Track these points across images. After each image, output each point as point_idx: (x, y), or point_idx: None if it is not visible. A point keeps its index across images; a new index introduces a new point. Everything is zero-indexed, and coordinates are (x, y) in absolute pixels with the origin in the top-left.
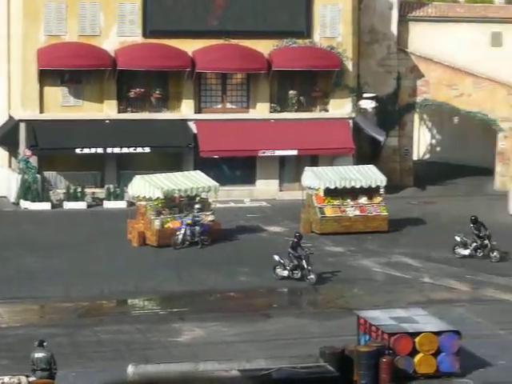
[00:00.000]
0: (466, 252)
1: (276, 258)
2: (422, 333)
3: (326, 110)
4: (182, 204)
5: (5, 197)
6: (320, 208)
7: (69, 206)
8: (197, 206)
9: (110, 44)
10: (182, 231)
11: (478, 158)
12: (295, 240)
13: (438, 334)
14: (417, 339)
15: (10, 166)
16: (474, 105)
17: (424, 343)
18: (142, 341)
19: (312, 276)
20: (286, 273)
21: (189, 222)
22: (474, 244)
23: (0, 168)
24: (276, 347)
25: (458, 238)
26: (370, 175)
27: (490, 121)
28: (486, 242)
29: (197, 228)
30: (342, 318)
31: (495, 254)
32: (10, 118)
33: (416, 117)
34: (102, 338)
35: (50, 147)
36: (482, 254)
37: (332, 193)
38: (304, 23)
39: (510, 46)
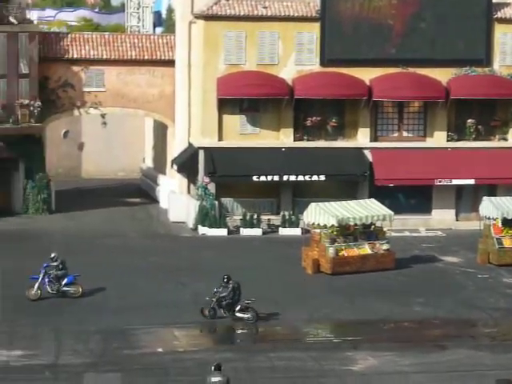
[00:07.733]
0: None
1: None
2: None
3: (505, 139)
4: (357, 232)
5: (183, 222)
6: (498, 239)
7: (245, 232)
8: (52, 254)
9: (287, 73)
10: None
11: None
12: None
13: None
14: None
15: (188, 193)
16: None
17: None
18: (315, 368)
19: None
20: None
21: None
22: None
23: (179, 194)
24: (451, 379)
25: None
26: None
27: None
28: None
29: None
30: None
31: None
32: (190, 145)
33: None
34: (275, 365)
35: (228, 174)
36: None
37: (511, 223)
38: (483, 51)
39: None
